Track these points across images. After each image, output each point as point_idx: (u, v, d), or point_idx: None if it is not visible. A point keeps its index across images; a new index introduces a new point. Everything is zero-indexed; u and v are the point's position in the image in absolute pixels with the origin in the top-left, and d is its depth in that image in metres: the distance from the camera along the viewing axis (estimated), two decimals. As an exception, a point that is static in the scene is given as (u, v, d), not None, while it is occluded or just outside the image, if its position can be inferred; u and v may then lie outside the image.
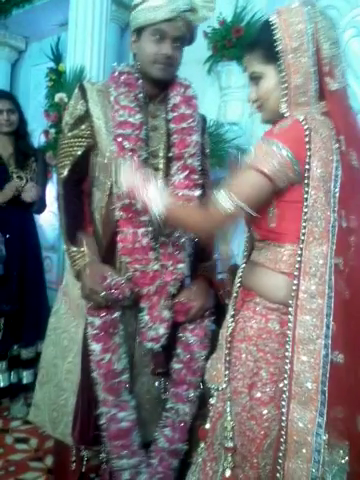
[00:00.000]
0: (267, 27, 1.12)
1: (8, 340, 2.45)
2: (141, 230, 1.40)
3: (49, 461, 2.03)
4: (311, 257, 1.05)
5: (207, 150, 1.62)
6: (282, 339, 1.10)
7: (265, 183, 1.08)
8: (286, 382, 1.04)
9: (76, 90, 1.49)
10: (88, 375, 1.42)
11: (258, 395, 1.12)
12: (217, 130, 2.52)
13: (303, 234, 1.07)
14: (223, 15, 2.61)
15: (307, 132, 1.06)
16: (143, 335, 1.43)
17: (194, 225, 1.23)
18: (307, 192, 1.06)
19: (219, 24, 2.64)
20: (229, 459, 1.15)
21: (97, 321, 1.40)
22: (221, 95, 2.80)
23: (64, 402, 1.51)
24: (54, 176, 2.47)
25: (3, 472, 1.97)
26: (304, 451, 1.01)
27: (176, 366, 1.48)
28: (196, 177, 1.46)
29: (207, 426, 1.24)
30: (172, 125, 1.48)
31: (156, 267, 1.41)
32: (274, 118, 1.16)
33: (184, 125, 1.47)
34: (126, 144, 1.39)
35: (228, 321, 1.22)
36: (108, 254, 1.45)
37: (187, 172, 1.45)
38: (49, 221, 3.56)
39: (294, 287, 1.06)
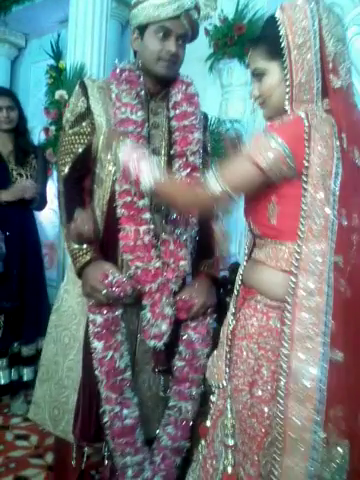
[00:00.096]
0: (272, 23, 1.11)
1: (8, 337, 2.45)
2: (143, 227, 1.40)
3: (49, 458, 2.03)
4: (310, 254, 1.05)
5: (208, 148, 1.62)
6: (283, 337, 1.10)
7: (257, 175, 1.08)
8: (283, 379, 1.03)
9: (77, 87, 1.49)
10: (89, 373, 1.42)
11: (259, 393, 1.12)
12: (218, 128, 2.52)
13: (302, 231, 1.06)
14: (225, 13, 2.61)
15: (307, 129, 1.05)
16: (145, 333, 1.42)
17: (182, 202, 1.23)
18: (306, 189, 1.06)
19: (221, 22, 2.63)
20: (229, 457, 1.15)
21: (99, 319, 1.40)
22: (222, 93, 2.80)
23: (65, 400, 1.51)
24: (54, 173, 2.47)
25: (3, 469, 1.98)
26: (301, 448, 1.01)
27: (178, 364, 1.48)
28: (198, 175, 1.46)
29: (208, 424, 1.24)
30: (174, 123, 1.48)
31: (158, 264, 1.41)
32: (277, 115, 1.15)
33: (186, 123, 1.47)
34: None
35: (229, 319, 1.22)
36: (109, 252, 1.45)
37: (189, 170, 1.45)
38: (49, 218, 3.56)
39: (292, 284, 1.06)
